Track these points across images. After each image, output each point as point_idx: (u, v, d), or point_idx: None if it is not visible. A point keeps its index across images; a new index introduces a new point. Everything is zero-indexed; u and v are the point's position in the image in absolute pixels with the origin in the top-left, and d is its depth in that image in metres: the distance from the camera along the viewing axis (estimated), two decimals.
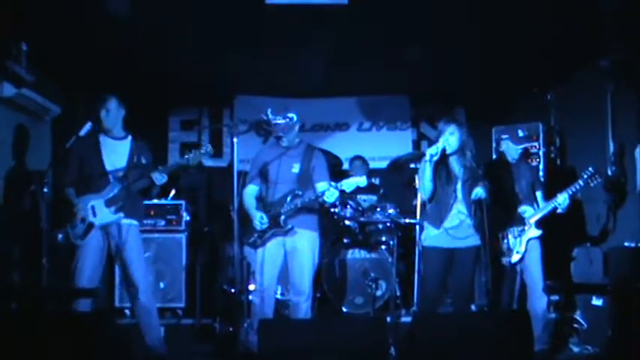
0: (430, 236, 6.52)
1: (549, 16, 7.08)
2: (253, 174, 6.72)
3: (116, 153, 6.55)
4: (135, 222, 6.59)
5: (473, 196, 6.37)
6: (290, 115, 6.53)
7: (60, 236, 6.36)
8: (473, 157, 6.47)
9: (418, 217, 7.33)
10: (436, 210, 6.49)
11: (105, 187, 6.42)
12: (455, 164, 6.47)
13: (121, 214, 6.41)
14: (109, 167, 6.49)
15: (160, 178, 6.41)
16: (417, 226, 7.68)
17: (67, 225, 6.39)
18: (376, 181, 9.68)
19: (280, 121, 6.50)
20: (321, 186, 6.49)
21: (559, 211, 6.77)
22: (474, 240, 6.44)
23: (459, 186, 6.44)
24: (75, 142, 6.32)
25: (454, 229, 6.40)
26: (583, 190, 6.98)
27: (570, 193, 6.73)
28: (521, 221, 6.88)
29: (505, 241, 6.91)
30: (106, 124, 6.52)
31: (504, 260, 6.89)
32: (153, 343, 6.51)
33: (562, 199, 6.72)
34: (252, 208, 6.62)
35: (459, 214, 6.43)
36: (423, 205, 6.79)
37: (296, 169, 6.58)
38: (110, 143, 6.57)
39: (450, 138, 6.38)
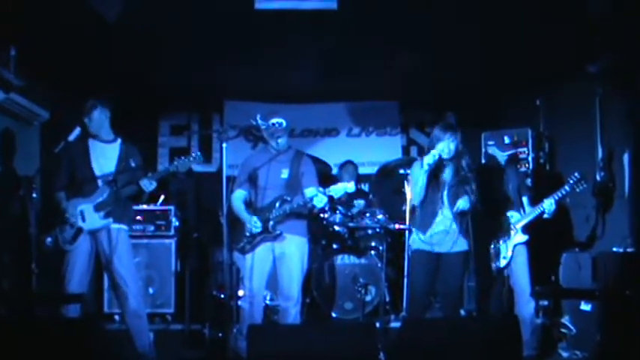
0: (417, 240, 6.55)
1: (539, 23, 7.10)
2: (242, 179, 6.71)
3: (105, 157, 6.53)
4: (124, 227, 6.58)
5: (455, 209, 6.40)
6: (279, 120, 6.53)
7: (49, 240, 6.34)
8: (468, 166, 6.48)
9: (407, 222, 7.34)
10: (423, 216, 6.52)
11: (94, 192, 6.40)
12: (446, 170, 6.49)
13: (110, 220, 6.39)
14: (97, 171, 6.47)
15: (148, 185, 6.40)
16: (407, 232, 7.67)
17: (57, 229, 6.37)
18: (365, 186, 9.69)
19: (274, 121, 6.50)
20: (309, 192, 6.50)
21: (545, 216, 6.78)
22: (461, 245, 6.46)
23: (445, 192, 6.47)
24: (64, 147, 6.32)
25: (440, 234, 6.43)
26: (571, 196, 7.00)
27: (556, 198, 6.73)
28: (508, 226, 6.88)
29: (493, 246, 6.92)
30: (91, 130, 6.51)
31: (493, 265, 6.91)
32: (142, 349, 6.49)
33: (548, 204, 6.72)
34: (243, 212, 6.62)
35: (444, 219, 6.46)
36: (412, 210, 6.80)
37: (285, 174, 6.59)
38: (99, 147, 6.55)
39: (450, 145, 6.40)
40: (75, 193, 6.44)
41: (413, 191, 6.56)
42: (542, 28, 7.20)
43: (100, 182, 6.45)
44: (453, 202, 6.44)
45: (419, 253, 6.56)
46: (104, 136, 6.57)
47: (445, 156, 6.40)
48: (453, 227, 6.45)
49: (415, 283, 6.65)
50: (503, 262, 6.84)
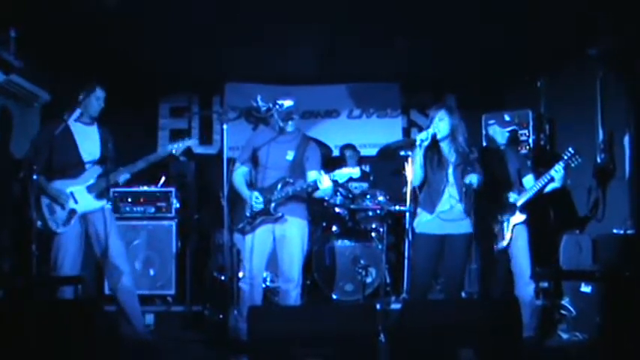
0: (422, 222, 6.51)
1: (540, 4, 7.08)
2: (244, 156, 6.68)
3: (89, 139, 6.56)
4: (110, 205, 6.65)
5: (466, 182, 6.35)
6: (281, 101, 6.49)
7: (39, 224, 6.30)
8: (465, 142, 6.45)
9: (408, 204, 7.32)
10: (428, 195, 6.48)
11: (81, 174, 6.44)
12: (446, 149, 6.46)
13: (104, 200, 6.43)
14: (83, 152, 6.49)
15: (123, 177, 6.54)
16: (407, 214, 7.67)
17: (45, 212, 6.35)
18: (366, 168, 9.68)
19: (279, 103, 6.48)
20: (312, 175, 6.48)
21: (556, 184, 6.73)
22: (465, 227, 6.43)
23: (450, 170, 6.42)
24: (61, 129, 6.30)
25: (446, 213, 6.40)
26: (572, 178, 6.99)
27: (563, 165, 6.70)
28: (508, 207, 6.88)
29: (495, 227, 6.91)
30: (92, 110, 6.50)
31: (496, 247, 6.90)
32: (139, 329, 6.53)
33: (558, 174, 6.70)
34: (244, 188, 6.60)
35: (450, 198, 6.42)
36: (413, 192, 6.78)
37: (290, 156, 6.54)
38: (82, 129, 6.55)
39: (439, 124, 6.38)
40: (59, 175, 6.42)
41: (413, 172, 6.55)
42: (543, 9, 7.17)
43: (88, 164, 6.47)
44: (459, 181, 6.41)
45: (423, 236, 6.52)
46: (87, 119, 6.58)
47: (439, 135, 6.39)
48: (458, 206, 6.42)
49: (418, 267, 6.63)
50: (504, 243, 6.84)
